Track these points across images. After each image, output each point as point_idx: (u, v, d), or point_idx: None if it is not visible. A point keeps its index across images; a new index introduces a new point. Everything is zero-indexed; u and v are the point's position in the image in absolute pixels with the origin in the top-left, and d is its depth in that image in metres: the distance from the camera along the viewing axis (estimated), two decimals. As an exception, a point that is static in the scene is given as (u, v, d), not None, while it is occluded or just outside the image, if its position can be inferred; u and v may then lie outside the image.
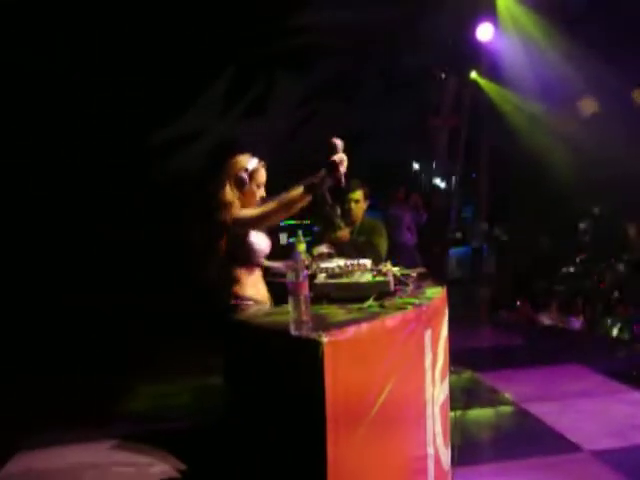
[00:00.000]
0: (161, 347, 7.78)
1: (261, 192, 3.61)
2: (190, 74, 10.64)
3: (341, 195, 4.91)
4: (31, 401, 5.91)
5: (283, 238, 9.33)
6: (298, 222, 7.53)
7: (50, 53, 9.69)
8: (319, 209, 4.43)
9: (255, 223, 3.43)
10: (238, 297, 3.48)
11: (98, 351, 7.69)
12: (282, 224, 10.59)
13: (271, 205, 3.33)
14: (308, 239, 3.75)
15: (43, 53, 9.67)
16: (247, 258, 3.51)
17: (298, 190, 3.24)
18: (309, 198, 3.28)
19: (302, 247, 3.71)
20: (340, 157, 3.19)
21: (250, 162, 3.55)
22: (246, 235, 3.47)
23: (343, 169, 3.21)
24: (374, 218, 5.52)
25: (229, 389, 2.92)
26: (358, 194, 5.10)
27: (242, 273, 3.51)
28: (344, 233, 4.88)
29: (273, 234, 3.95)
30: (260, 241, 3.57)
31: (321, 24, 10.41)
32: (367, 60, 10.91)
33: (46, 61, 9.72)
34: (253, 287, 3.55)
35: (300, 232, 3.76)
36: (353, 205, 5.08)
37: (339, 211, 4.70)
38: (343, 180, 3.24)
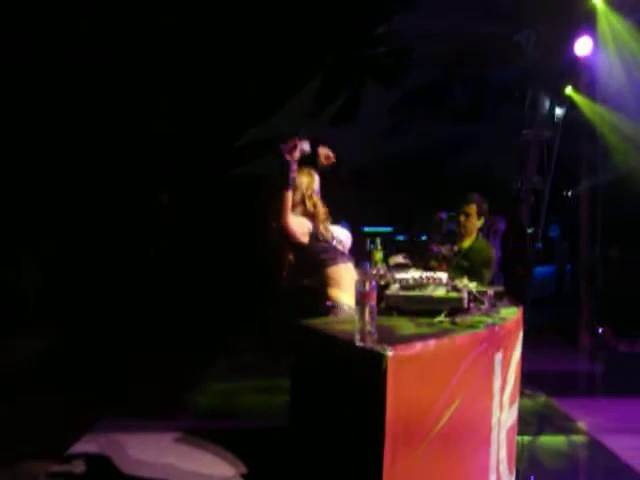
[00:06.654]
0: (237, 346, 7.94)
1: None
2: (280, 79, 10.78)
3: (457, 206, 4.75)
4: (104, 385, 6.12)
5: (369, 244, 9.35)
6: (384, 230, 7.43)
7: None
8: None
9: None
10: (332, 299, 3.53)
11: (177, 346, 7.94)
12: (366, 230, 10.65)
13: None
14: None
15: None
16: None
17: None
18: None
19: (379, 256, 3.68)
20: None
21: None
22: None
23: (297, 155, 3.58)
24: (486, 242, 5.13)
25: (294, 393, 2.90)
26: (471, 208, 4.84)
27: (336, 272, 3.58)
28: (442, 268, 4.47)
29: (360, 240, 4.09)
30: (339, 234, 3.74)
31: (415, 33, 10.33)
32: (460, 71, 10.77)
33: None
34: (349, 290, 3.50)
35: (378, 240, 3.74)
36: (462, 218, 4.83)
37: (444, 226, 4.59)
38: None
